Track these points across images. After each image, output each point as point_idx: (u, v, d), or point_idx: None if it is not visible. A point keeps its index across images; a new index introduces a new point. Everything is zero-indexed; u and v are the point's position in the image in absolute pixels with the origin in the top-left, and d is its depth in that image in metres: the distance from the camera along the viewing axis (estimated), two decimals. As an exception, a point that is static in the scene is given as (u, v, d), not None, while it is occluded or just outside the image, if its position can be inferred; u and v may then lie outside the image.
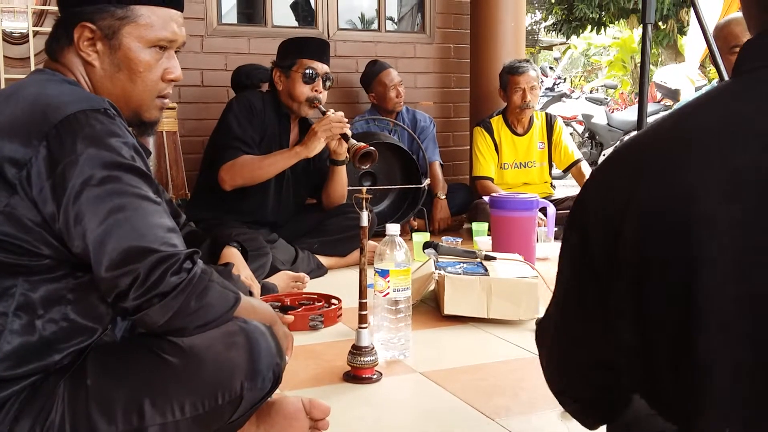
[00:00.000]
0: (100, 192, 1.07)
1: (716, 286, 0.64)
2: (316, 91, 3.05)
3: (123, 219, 1.08)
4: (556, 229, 3.46)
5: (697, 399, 0.65)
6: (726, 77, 1.97)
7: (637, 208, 0.69)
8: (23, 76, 1.31)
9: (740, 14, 3.07)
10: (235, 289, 1.22)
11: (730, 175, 0.65)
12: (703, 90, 3.50)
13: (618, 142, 8.15)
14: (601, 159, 7.15)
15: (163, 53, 1.29)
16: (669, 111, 0.78)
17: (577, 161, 4.16)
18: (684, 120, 0.74)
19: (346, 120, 2.98)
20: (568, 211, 3.35)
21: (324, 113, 2.98)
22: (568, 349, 0.88)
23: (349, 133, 2.97)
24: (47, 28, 2.80)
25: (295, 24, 5.18)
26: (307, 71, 3.02)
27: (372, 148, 2.86)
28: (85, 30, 1.22)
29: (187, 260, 1.12)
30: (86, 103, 1.12)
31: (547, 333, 0.93)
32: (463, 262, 2.57)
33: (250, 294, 1.58)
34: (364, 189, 1.89)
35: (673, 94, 8.35)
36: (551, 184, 4.29)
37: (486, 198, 3.42)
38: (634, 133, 0.84)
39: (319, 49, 3.11)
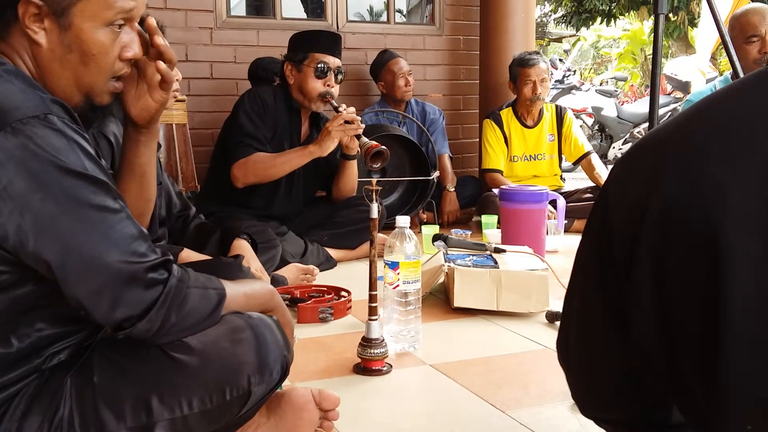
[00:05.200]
0: (53, 209, 1.00)
1: (742, 281, 0.62)
2: (328, 85, 3.04)
3: (82, 236, 1.01)
4: (566, 221, 3.45)
5: (721, 398, 0.63)
6: (739, 67, 1.95)
7: (660, 200, 0.67)
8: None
9: (756, 4, 3.04)
10: (218, 284, 1.16)
11: (758, 167, 0.63)
12: (715, 82, 3.47)
13: (628, 135, 8.11)
14: (614, 152, 7.02)
15: (120, 30, 1.15)
16: (697, 101, 0.75)
17: (587, 154, 4.14)
18: (711, 111, 0.72)
19: (359, 119, 2.97)
20: (578, 203, 3.32)
21: (336, 108, 2.97)
22: (594, 362, 0.84)
23: (361, 131, 2.96)
24: None
25: (304, 16, 5.17)
26: (319, 65, 3.02)
27: (384, 147, 2.86)
28: (30, 6, 1.08)
29: (159, 269, 1.06)
30: (26, 108, 1.01)
31: (570, 349, 0.90)
32: (473, 255, 2.57)
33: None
34: (374, 181, 1.89)
35: (684, 87, 8.30)
36: (561, 176, 4.28)
37: (495, 190, 3.41)
38: (664, 120, 0.81)
39: (331, 42, 3.10)
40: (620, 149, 8.05)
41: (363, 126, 3.00)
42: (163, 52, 1.27)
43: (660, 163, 0.70)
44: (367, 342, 1.83)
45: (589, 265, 0.80)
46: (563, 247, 3.25)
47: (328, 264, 3.04)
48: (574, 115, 4.39)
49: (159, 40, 1.26)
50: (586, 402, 0.90)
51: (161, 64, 1.27)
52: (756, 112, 0.67)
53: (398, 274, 1.92)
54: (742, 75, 1.72)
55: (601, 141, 8.24)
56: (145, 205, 1.40)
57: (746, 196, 0.63)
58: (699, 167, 0.66)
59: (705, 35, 6.72)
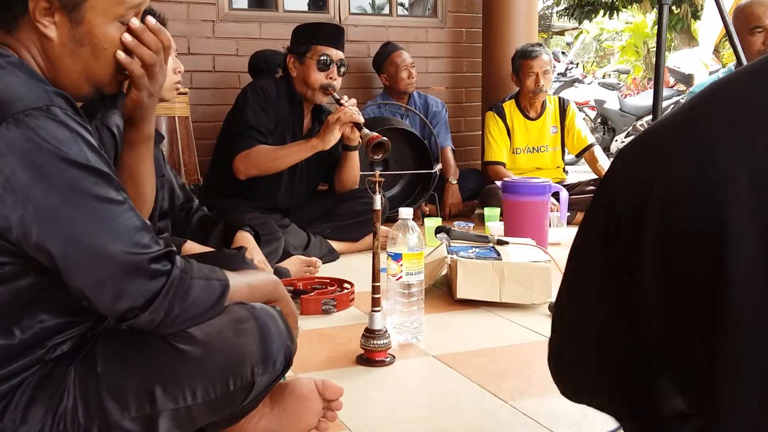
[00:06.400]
0: (55, 200, 0.99)
1: (744, 267, 0.62)
2: (330, 78, 3.04)
3: (84, 227, 1.01)
4: (568, 214, 3.45)
5: (724, 370, 0.64)
6: (743, 59, 1.95)
7: (665, 188, 0.67)
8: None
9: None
10: (221, 275, 1.16)
11: (761, 154, 0.63)
12: (719, 74, 3.46)
13: (631, 128, 8.10)
14: (616, 144, 7.03)
15: (129, 24, 1.18)
16: (699, 91, 0.75)
17: (590, 146, 4.14)
18: (713, 100, 0.72)
19: (359, 112, 2.97)
20: (581, 195, 3.31)
21: (338, 100, 2.97)
22: (586, 336, 0.85)
23: (362, 121, 2.96)
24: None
25: (307, 9, 5.16)
26: (321, 58, 3.01)
27: (385, 138, 2.86)
28: (41, 0, 1.09)
29: (163, 260, 1.06)
30: (29, 100, 1.01)
31: (563, 313, 0.91)
32: (476, 247, 2.57)
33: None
34: (377, 173, 1.88)
35: (687, 79, 8.28)
36: (564, 169, 4.27)
37: (498, 183, 3.41)
38: (669, 110, 0.81)
39: (334, 35, 3.10)
40: (623, 142, 8.04)
41: (361, 114, 3.00)
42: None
43: (664, 151, 0.70)
44: (370, 333, 1.83)
45: (594, 247, 0.80)
46: (566, 239, 3.25)
47: (330, 256, 3.05)
48: (577, 108, 4.39)
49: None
50: (570, 365, 0.91)
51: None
52: (758, 99, 0.67)
53: (401, 265, 1.92)
54: (745, 65, 1.71)
55: (603, 134, 8.23)
56: (140, 208, 1.38)
57: (750, 182, 0.63)
58: (703, 155, 0.66)
59: (708, 27, 6.71)
